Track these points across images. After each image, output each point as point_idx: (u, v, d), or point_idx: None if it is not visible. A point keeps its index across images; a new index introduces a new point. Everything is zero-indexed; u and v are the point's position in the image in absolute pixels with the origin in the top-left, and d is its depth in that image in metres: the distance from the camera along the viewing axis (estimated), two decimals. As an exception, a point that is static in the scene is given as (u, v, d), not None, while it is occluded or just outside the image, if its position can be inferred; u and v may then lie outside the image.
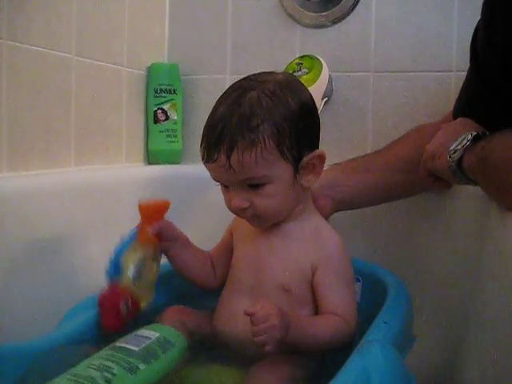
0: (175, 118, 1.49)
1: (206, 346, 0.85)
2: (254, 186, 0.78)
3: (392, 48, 1.34)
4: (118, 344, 0.69)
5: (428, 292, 1.14)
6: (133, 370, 0.65)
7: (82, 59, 1.22)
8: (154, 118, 1.48)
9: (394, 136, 1.10)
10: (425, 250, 1.18)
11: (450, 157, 0.80)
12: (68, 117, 1.19)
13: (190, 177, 1.40)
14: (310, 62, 1.31)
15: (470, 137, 0.79)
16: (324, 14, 1.39)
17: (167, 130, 1.48)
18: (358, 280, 1.01)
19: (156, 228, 0.85)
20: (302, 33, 1.42)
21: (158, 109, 1.48)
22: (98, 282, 0.84)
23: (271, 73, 0.85)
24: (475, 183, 0.80)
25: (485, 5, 0.84)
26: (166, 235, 0.87)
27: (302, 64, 1.30)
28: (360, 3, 1.36)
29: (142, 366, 0.66)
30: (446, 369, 1.03)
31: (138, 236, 0.84)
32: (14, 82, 1.03)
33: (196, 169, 1.46)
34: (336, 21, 1.38)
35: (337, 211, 1.03)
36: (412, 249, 1.21)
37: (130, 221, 1.18)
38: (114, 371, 0.64)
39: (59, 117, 1.17)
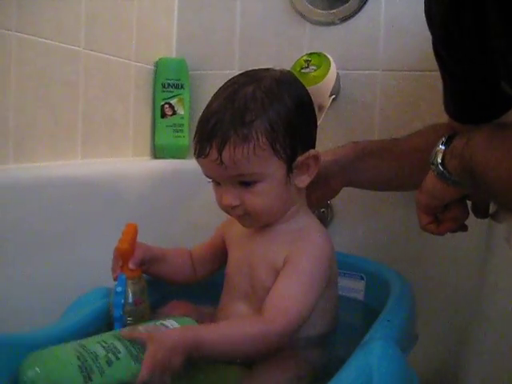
0: (182, 112, 1.49)
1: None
2: (246, 183, 0.77)
3: (400, 47, 1.33)
4: (138, 327, 0.69)
5: (432, 292, 1.14)
6: (139, 359, 0.64)
7: (91, 52, 1.22)
8: (161, 112, 1.48)
9: (401, 135, 1.09)
10: (431, 249, 1.17)
11: (432, 164, 0.78)
12: (75, 109, 1.20)
13: (196, 172, 1.38)
14: (318, 59, 1.31)
15: (444, 138, 0.77)
16: (333, 11, 1.38)
17: (174, 124, 1.48)
18: (361, 278, 1.01)
19: (137, 262, 0.81)
20: (310, 30, 1.41)
21: (166, 103, 1.48)
22: (101, 275, 0.84)
23: (269, 69, 0.83)
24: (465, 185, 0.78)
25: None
26: (146, 260, 0.85)
27: (310, 61, 1.30)
28: (369, 1, 1.35)
29: None
30: (447, 368, 1.03)
31: (127, 279, 0.81)
32: (22, 74, 1.04)
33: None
34: (345, 18, 1.38)
35: (344, 186, 1.03)
36: (418, 248, 1.21)
37: (135, 214, 1.19)
38: (120, 355, 0.63)
39: (67, 109, 1.17)
